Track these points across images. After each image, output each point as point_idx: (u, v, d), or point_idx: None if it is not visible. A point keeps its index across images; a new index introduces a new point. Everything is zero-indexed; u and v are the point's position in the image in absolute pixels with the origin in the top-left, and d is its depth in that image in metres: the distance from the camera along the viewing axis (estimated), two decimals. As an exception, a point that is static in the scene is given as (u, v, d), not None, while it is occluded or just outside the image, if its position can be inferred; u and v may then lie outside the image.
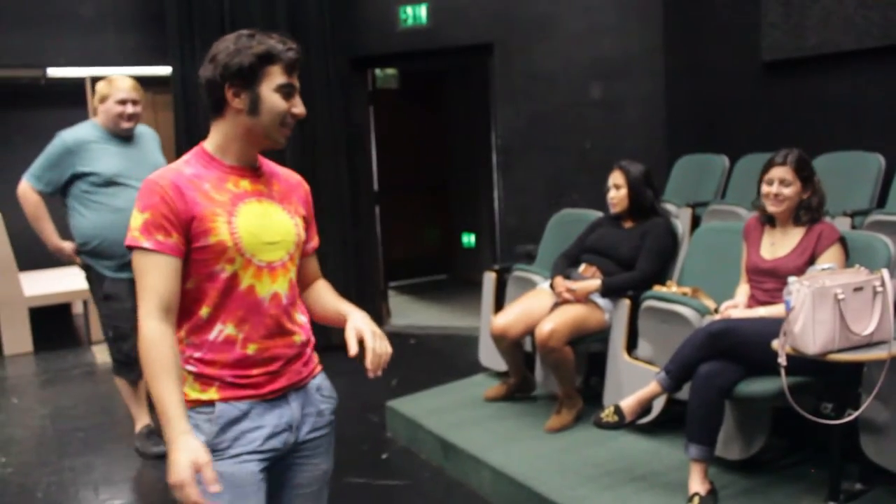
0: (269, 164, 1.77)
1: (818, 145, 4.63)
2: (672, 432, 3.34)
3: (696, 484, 2.82)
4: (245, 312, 1.64)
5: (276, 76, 1.64)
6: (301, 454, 1.75)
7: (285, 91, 1.65)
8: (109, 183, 3.56)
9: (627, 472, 3.13)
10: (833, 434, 2.79)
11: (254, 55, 1.62)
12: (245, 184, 1.68)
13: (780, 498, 2.89)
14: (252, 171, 1.71)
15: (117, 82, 3.64)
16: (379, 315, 6.36)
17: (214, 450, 1.61)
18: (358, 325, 1.70)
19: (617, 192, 3.74)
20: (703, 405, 2.78)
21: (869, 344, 2.58)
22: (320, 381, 1.82)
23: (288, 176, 1.81)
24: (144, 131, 3.80)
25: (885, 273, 2.61)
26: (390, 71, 7.18)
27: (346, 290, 5.73)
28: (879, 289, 2.57)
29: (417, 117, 7.93)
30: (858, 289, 2.54)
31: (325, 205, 5.49)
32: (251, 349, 1.66)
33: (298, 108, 1.68)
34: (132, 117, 3.64)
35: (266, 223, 1.67)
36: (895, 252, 2.95)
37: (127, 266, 3.50)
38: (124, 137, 3.67)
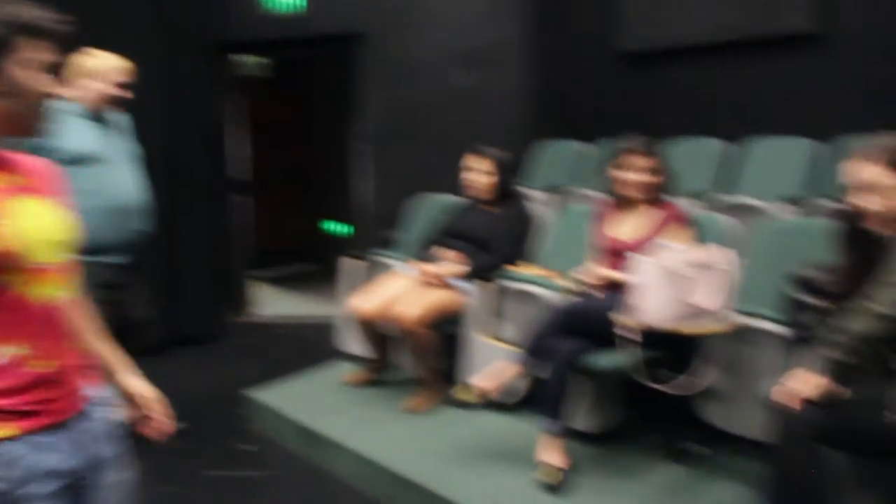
0: (10, 154, 1.50)
1: (673, 131, 4.89)
2: (531, 409, 3.45)
3: (552, 456, 2.93)
4: (28, 327, 1.42)
5: (34, 52, 1.40)
6: (93, 475, 1.56)
7: (46, 70, 1.42)
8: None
9: (488, 449, 3.23)
10: (677, 401, 2.97)
11: (8, 26, 1.37)
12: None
13: (631, 463, 3.06)
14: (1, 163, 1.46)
15: (114, 61, 3.34)
16: (243, 307, 6.27)
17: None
18: (139, 390, 1.59)
19: (481, 177, 3.83)
20: (558, 381, 2.89)
21: (707, 315, 2.76)
22: (96, 393, 1.59)
23: (38, 165, 1.55)
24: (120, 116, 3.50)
25: (721, 249, 2.80)
26: (258, 59, 7.08)
27: (210, 284, 5.63)
28: (716, 264, 2.75)
29: (290, 106, 7.85)
30: (698, 264, 2.72)
31: (185, 195, 5.37)
32: (34, 368, 1.43)
33: (50, 87, 1.43)
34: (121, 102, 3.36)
35: (40, 222, 1.45)
36: (732, 230, 3.16)
37: None
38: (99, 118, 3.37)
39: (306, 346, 5.28)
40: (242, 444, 3.81)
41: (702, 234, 3.15)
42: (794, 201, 4.06)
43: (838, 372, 2.12)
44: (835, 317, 2.18)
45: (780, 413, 2.23)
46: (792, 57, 4.75)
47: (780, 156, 4.51)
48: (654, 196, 3.20)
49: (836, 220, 2.35)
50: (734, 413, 2.97)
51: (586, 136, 5.38)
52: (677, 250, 2.78)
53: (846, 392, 2.19)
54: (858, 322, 2.08)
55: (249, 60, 6.97)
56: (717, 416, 3.02)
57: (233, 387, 4.29)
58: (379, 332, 3.88)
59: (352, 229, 6.56)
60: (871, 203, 2.18)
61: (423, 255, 3.82)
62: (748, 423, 2.91)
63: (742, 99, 4.93)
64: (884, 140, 2.21)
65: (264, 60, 7.16)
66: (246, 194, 6.24)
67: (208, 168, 5.64)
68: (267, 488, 3.37)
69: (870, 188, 2.18)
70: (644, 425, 3.38)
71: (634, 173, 3.16)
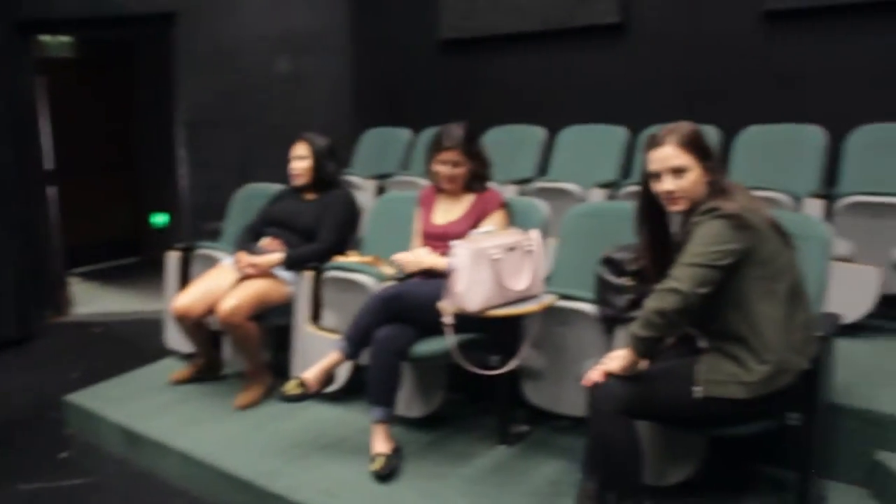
0: None
1: (490, 119, 5.03)
2: (358, 398, 3.49)
3: (380, 444, 2.97)
4: None
5: None
6: None
7: None
8: None
9: (316, 442, 3.23)
10: (500, 384, 3.09)
11: None
12: None
13: (459, 447, 3.14)
14: None
15: None
16: (59, 305, 5.96)
17: None
18: None
19: (300, 163, 3.80)
20: (381, 368, 2.92)
21: (523, 298, 2.88)
22: None
23: None
24: None
25: (535, 233, 2.92)
26: (64, 39, 6.69)
27: (19, 282, 5.31)
28: (530, 248, 2.87)
29: (102, 90, 7.46)
30: (512, 249, 2.82)
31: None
32: None
33: None
34: None
35: None
36: (548, 214, 3.30)
37: None
38: None
39: (130, 345, 5.09)
40: (61, 451, 3.64)
41: (519, 219, 3.25)
42: (608, 186, 4.28)
43: (643, 347, 2.26)
44: (639, 295, 2.32)
45: (590, 389, 2.37)
46: (603, 46, 4.99)
47: (597, 143, 4.73)
48: (471, 184, 3.28)
49: (638, 202, 2.49)
50: (556, 392, 3.09)
51: (410, 123, 5.44)
52: (494, 235, 2.87)
53: (646, 365, 2.35)
54: (656, 299, 2.23)
55: (56, 41, 6.59)
56: (541, 396, 3.14)
57: (49, 391, 4.09)
58: (204, 328, 3.80)
59: (173, 221, 6.37)
60: (666, 184, 2.34)
61: (243, 245, 3.76)
62: (570, 402, 3.04)
63: (558, 87, 5.14)
64: (675, 124, 2.38)
65: (73, 40, 6.76)
66: (54, 185, 5.92)
67: (13, 158, 5.32)
68: (89, 497, 3.24)
69: (665, 170, 2.34)
70: (472, 408, 3.48)
71: (443, 167, 3.23)
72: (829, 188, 3.92)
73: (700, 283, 2.18)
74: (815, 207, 3.70)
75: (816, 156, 4.11)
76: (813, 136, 4.16)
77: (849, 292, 3.40)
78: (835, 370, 2.74)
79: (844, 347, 3.16)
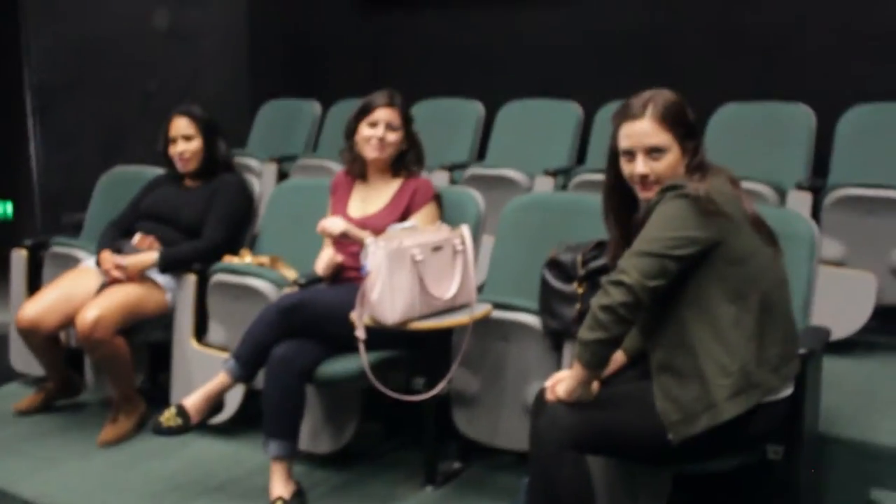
0: None
1: (416, 91, 5.04)
2: (252, 430, 3.47)
3: (279, 486, 2.96)
4: None
5: None
6: None
7: None
8: None
9: (201, 483, 3.21)
10: (426, 412, 3.10)
11: None
12: None
13: (376, 489, 3.16)
14: None
15: None
16: None
17: None
18: None
19: (188, 144, 3.78)
20: (280, 394, 2.92)
21: (452, 308, 2.91)
22: None
23: None
24: None
25: (466, 230, 2.95)
26: None
27: None
28: (459, 247, 2.91)
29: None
30: (438, 248, 2.86)
31: None
32: None
33: None
34: None
35: None
36: (483, 207, 3.34)
37: None
38: None
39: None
40: None
41: (449, 213, 3.29)
42: (558, 174, 4.35)
43: (591, 355, 2.28)
44: (591, 305, 2.36)
45: (534, 418, 2.40)
46: (554, 4, 5.05)
47: (545, 122, 4.80)
48: (400, 166, 3.32)
49: (604, 186, 2.53)
50: (494, 422, 3.13)
51: (319, 94, 5.44)
52: (417, 232, 2.89)
53: (597, 388, 2.39)
54: (601, 295, 2.26)
55: None
56: (476, 426, 3.18)
57: None
58: (58, 345, 3.75)
59: (19, 211, 6.23)
60: (639, 166, 2.38)
61: (110, 242, 3.71)
62: (510, 434, 3.08)
63: (499, 53, 5.19)
64: (654, 92, 2.41)
65: None
66: None
67: None
68: None
69: (639, 148, 2.37)
70: (392, 442, 3.50)
71: (375, 130, 3.26)
72: (817, 179, 4.03)
73: (650, 273, 2.21)
74: (800, 201, 3.81)
75: (804, 140, 4.24)
76: (800, 117, 4.29)
77: (840, 302, 3.50)
78: (823, 394, 2.80)
79: (834, 367, 3.23)
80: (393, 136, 3.28)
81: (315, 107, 5.39)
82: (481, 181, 4.22)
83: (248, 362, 3.00)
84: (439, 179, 4.40)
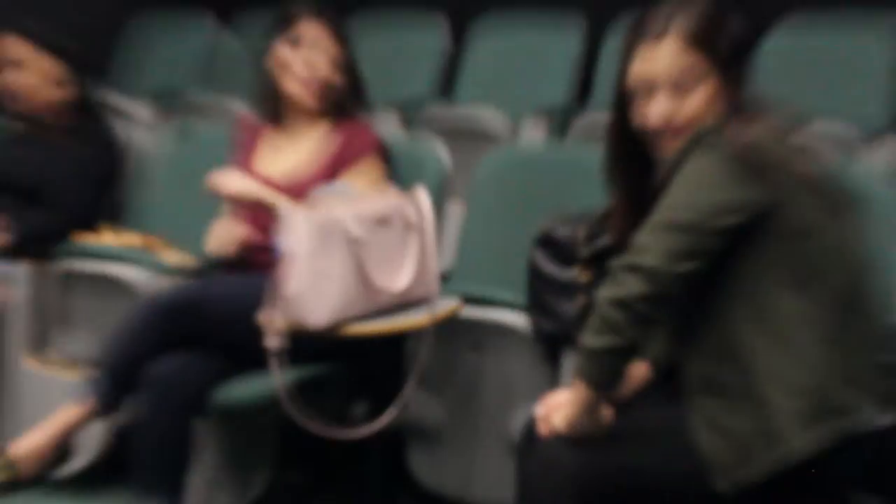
0: None
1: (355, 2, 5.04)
2: (118, 485, 3.41)
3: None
4: None
5: None
6: None
7: None
8: None
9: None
10: (369, 453, 3.12)
11: None
12: None
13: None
14: None
15: None
16: None
17: None
18: None
19: (26, 78, 3.78)
20: (160, 430, 2.89)
21: (405, 305, 2.90)
22: None
23: None
24: None
25: (423, 196, 2.94)
26: None
27: None
28: (414, 220, 2.90)
29: None
30: (383, 221, 2.84)
31: None
32: None
33: None
34: None
35: None
36: (449, 164, 3.34)
37: None
38: None
39: None
40: None
41: (403, 172, 3.29)
42: (552, 117, 4.35)
43: (599, 370, 2.26)
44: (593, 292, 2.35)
45: (521, 459, 2.39)
46: None
47: (533, 45, 4.81)
48: (335, 106, 3.31)
49: (609, 138, 2.51)
50: (465, 466, 3.14)
51: (214, 4, 5.41)
52: (356, 198, 2.87)
53: (609, 415, 2.37)
54: (611, 285, 2.24)
55: None
56: (439, 472, 3.18)
57: None
58: None
59: None
60: (658, 105, 2.35)
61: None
62: (488, 482, 3.08)
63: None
64: (674, 1, 2.38)
65: None
66: None
67: None
68: None
69: (661, 82, 2.33)
70: (321, 496, 3.49)
71: (308, 51, 3.25)
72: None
73: (679, 253, 2.18)
74: (889, 149, 3.82)
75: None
76: (885, 36, 4.30)
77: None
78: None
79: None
80: (323, 60, 3.25)
81: (209, 21, 5.35)
82: (447, 127, 4.22)
83: (112, 386, 2.96)
84: (387, 124, 4.37)
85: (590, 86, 4.68)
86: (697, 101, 2.32)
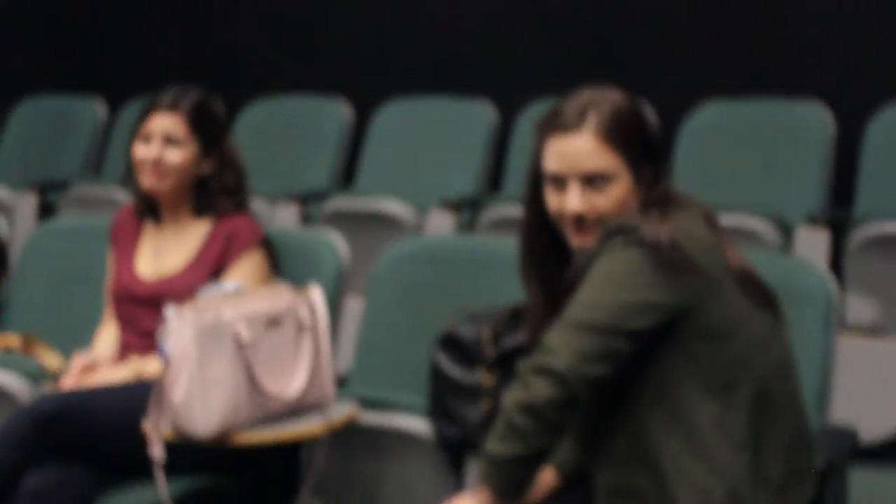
0: None
1: (251, 85, 5.04)
2: None
3: None
4: None
5: None
6: None
7: None
8: None
9: None
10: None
11: None
12: None
13: None
14: None
15: None
16: None
17: None
18: None
19: None
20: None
21: (298, 411, 2.87)
22: None
23: None
24: None
25: (317, 294, 2.92)
26: None
27: None
28: (307, 320, 2.87)
29: None
30: (274, 322, 2.81)
31: None
32: None
33: None
34: None
35: None
36: (347, 258, 3.32)
37: None
38: None
39: None
40: None
41: (298, 267, 3.27)
42: (462, 207, 4.35)
43: (503, 479, 2.24)
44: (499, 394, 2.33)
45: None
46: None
47: (441, 130, 4.82)
48: (210, 199, 3.29)
49: (523, 228, 2.50)
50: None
51: (105, 88, 5.40)
52: (244, 298, 2.85)
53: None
54: (519, 388, 2.22)
55: None
56: None
57: None
58: None
59: None
60: (572, 201, 2.35)
61: None
62: None
63: (375, 26, 5.20)
64: (596, 92, 2.40)
65: None
66: None
67: None
68: None
69: (574, 175, 2.34)
70: None
71: (147, 147, 3.24)
72: (838, 210, 4.12)
73: (590, 355, 2.17)
74: (813, 242, 3.86)
75: (818, 154, 4.30)
76: (813, 122, 4.35)
77: (872, 389, 3.53)
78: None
79: (867, 484, 3.26)
80: (176, 156, 3.23)
81: (98, 107, 5.33)
82: (348, 218, 4.21)
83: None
84: (286, 216, 4.36)
85: (499, 174, 4.70)
86: (611, 196, 2.33)
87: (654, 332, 2.21)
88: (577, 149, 2.32)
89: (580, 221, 2.34)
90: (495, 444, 2.21)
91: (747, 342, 2.28)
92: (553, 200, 2.38)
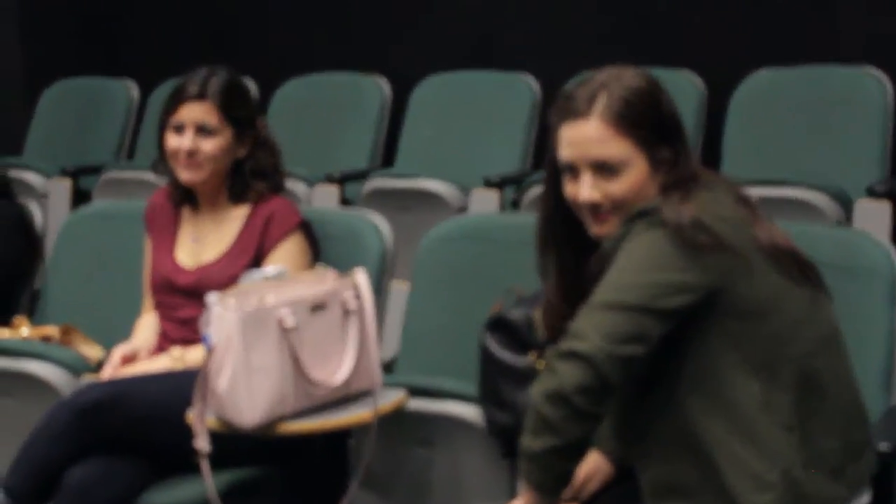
0: None
1: (287, 63, 5.04)
2: None
3: None
4: None
5: None
6: None
7: None
8: None
9: None
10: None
11: None
12: None
13: None
14: None
15: None
16: None
17: None
18: None
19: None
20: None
21: (345, 398, 2.88)
22: None
23: None
24: None
25: (362, 277, 2.92)
26: None
27: None
28: (353, 305, 2.88)
29: None
30: (319, 307, 2.82)
31: None
32: None
33: None
34: None
35: None
36: (391, 240, 3.33)
37: None
38: None
39: None
40: None
41: (340, 250, 3.28)
42: (504, 185, 4.36)
43: (540, 473, 2.25)
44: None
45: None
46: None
47: (483, 106, 4.81)
48: (245, 185, 3.30)
49: (541, 214, 2.52)
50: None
51: (136, 70, 5.41)
52: (288, 283, 2.86)
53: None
54: (545, 377, 2.22)
55: None
56: None
57: None
58: None
59: None
60: (584, 189, 2.34)
61: None
62: None
63: (413, 7, 5.20)
64: (608, 73, 2.39)
65: None
66: None
67: None
68: None
69: (583, 162, 2.34)
70: None
71: (179, 137, 3.25)
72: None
73: (619, 336, 2.16)
74: (874, 215, 3.84)
75: (878, 122, 4.27)
76: (872, 88, 4.33)
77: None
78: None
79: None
80: (211, 145, 3.24)
81: (129, 89, 5.35)
82: (389, 198, 4.22)
83: (25, 496, 2.92)
84: (325, 198, 4.36)
85: (543, 151, 4.69)
86: (625, 183, 2.33)
87: (686, 314, 2.21)
88: (586, 136, 2.33)
89: (596, 209, 2.34)
90: (529, 440, 2.22)
91: (785, 319, 2.28)
92: (569, 189, 2.38)
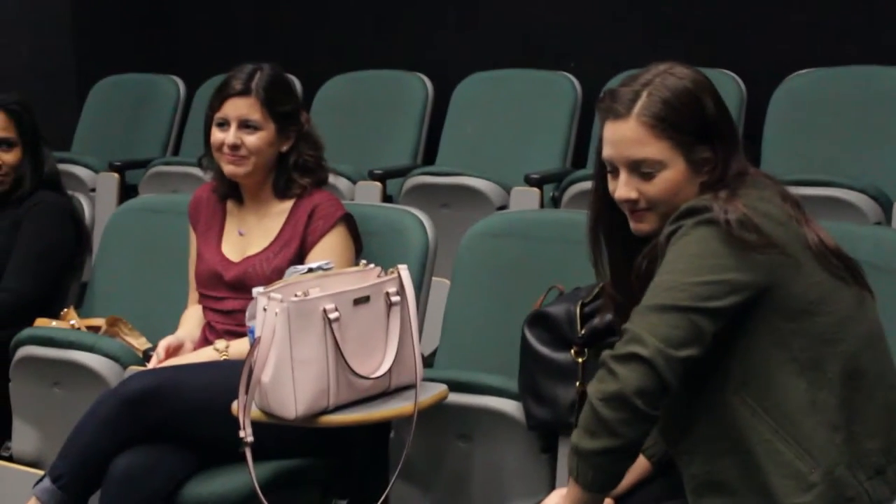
0: None
1: (330, 62, 5.06)
2: None
3: None
4: None
5: None
6: None
7: None
8: None
9: None
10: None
11: None
12: None
13: None
14: None
15: None
16: None
17: None
18: None
19: (4, 155, 3.81)
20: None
21: (386, 392, 2.91)
22: None
23: None
24: None
25: (404, 272, 2.94)
26: None
27: None
28: (396, 298, 2.90)
29: None
30: (362, 300, 2.85)
31: None
32: None
33: None
34: None
35: None
36: (433, 235, 3.35)
37: None
38: None
39: None
40: None
41: (382, 245, 3.32)
42: (546, 183, 4.38)
43: (593, 473, 2.23)
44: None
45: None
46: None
47: (524, 105, 4.81)
48: (289, 179, 3.33)
49: (591, 210, 2.52)
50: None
51: (184, 67, 5.44)
52: (331, 276, 2.89)
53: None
54: (602, 378, 2.21)
55: None
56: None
57: None
58: None
59: None
60: (622, 187, 2.35)
61: None
62: None
63: (455, 6, 5.22)
64: (652, 71, 2.39)
65: None
66: None
67: None
68: None
69: (621, 161, 2.35)
70: None
71: (234, 132, 3.27)
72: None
73: (676, 338, 2.16)
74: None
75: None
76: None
77: None
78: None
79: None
80: (255, 140, 3.27)
81: (176, 85, 5.38)
82: (430, 195, 4.23)
83: (73, 483, 2.95)
84: (368, 193, 4.39)
85: (585, 149, 4.69)
86: (662, 183, 2.33)
87: (736, 312, 2.20)
88: (624, 136, 2.33)
89: (633, 207, 2.36)
90: (584, 439, 2.20)
91: (832, 318, 2.27)
92: (611, 186, 2.40)
